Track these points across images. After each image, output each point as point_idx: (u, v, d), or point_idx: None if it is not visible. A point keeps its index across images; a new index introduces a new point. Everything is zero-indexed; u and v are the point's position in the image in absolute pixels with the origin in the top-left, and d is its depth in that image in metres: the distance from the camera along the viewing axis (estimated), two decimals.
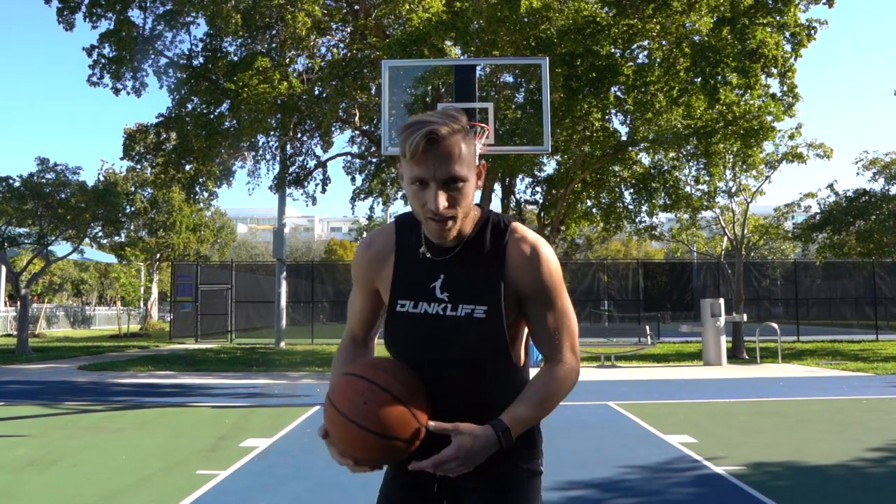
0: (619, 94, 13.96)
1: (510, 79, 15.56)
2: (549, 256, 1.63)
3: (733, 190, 17.19)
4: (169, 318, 28.11)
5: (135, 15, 15.77)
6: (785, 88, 13.19)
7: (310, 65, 15.48)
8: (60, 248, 23.02)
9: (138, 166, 25.17)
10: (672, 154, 15.89)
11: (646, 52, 14.41)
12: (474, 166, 1.58)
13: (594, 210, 18.16)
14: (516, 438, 1.57)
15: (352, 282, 1.78)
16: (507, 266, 1.61)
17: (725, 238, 18.52)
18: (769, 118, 13.13)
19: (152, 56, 15.74)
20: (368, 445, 1.57)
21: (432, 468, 1.52)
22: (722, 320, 14.67)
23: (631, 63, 13.78)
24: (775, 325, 15.91)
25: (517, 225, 1.66)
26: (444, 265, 1.63)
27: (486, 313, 1.59)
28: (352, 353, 1.83)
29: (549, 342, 1.64)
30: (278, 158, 17.22)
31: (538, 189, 18.06)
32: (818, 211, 19.44)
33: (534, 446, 1.69)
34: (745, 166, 16.15)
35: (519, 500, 1.65)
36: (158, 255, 34.14)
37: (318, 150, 21.34)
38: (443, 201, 1.51)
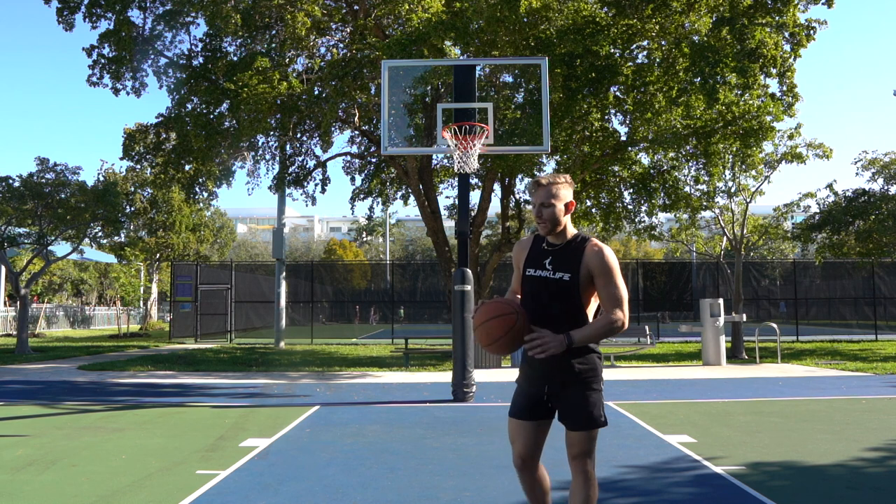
0: (618, 94, 13.96)
1: (510, 79, 15.57)
2: (607, 254, 3.01)
3: (733, 190, 17.20)
4: (169, 318, 28.11)
5: (134, 15, 15.78)
6: (784, 88, 13.20)
7: (309, 65, 15.47)
8: (60, 248, 23.04)
9: (138, 166, 25.16)
10: (671, 154, 15.89)
11: (645, 53, 14.41)
12: (563, 201, 3.11)
13: (594, 210, 18.15)
14: (587, 369, 3.04)
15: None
16: (584, 256, 3.03)
17: (725, 238, 18.53)
18: (768, 118, 13.13)
19: (152, 56, 15.74)
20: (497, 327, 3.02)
21: (529, 344, 2.91)
22: (721, 320, 14.68)
23: (630, 63, 13.78)
24: (774, 326, 15.92)
25: (593, 238, 3.08)
26: (553, 251, 3.12)
27: (569, 278, 3.03)
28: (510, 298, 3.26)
29: (605, 303, 3.00)
30: (278, 158, 17.22)
31: None
32: (817, 211, 19.45)
33: (596, 374, 3.08)
34: (744, 166, 16.16)
35: (588, 401, 3.04)
36: (158, 255, 34.14)
37: (318, 150, 21.42)
38: (539, 213, 3.12)
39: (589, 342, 2.95)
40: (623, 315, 2.95)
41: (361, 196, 19.23)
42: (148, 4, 15.63)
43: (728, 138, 13.69)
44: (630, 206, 17.58)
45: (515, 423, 3.13)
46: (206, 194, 18.23)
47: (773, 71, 12.70)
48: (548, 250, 3.12)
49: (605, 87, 12.97)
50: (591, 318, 3.07)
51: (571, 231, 3.13)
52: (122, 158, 17.04)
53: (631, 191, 17.32)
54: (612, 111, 14.58)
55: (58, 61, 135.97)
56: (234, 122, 14.02)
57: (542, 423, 3.12)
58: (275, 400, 9.56)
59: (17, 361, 15.70)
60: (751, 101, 13.19)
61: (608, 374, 12.69)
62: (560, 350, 2.88)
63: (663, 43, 13.47)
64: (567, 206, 3.10)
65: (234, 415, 8.21)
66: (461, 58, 13.01)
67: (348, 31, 15.56)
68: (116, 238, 27.88)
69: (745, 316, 16.54)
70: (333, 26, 15.73)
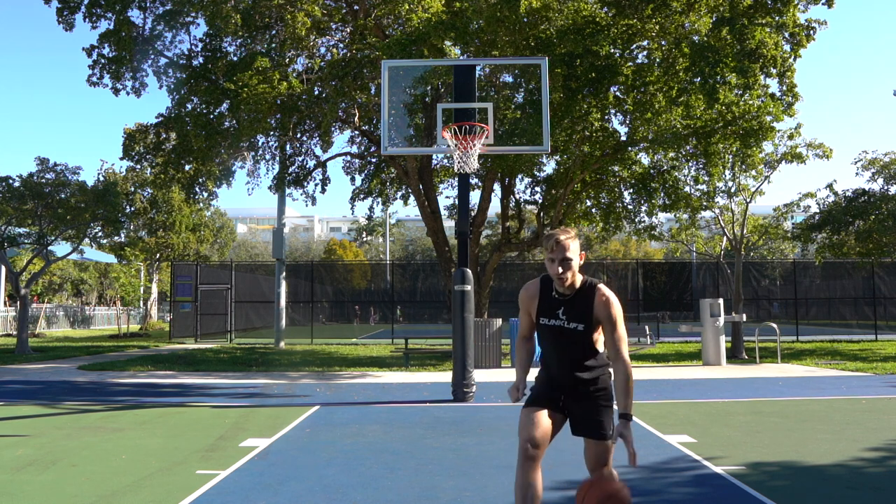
0: (618, 94, 13.96)
1: (510, 79, 15.57)
2: (613, 304, 3.30)
3: (732, 190, 17.19)
4: (169, 318, 28.11)
5: (134, 15, 15.79)
6: (784, 88, 13.20)
7: (309, 65, 15.47)
8: (60, 248, 23.04)
9: (138, 166, 25.15)
10: (671, 154, 15.90)
11: (645, 53, 14.41)
12: (578, 255, 3.33)
13: (594, 210, 18.16)
14: (600, 389, 3.41)
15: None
16: (594, 307, 3.31)
17: (725, 238, 18.53)
18: (768, 118, 13.12)
19: (152, 56, 15.74)
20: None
21: (633, 451, 3.24)
22: (721, 320, 14.68)
23: (630, 63, 13.78)
24: (774, 326, 15.92)
25: (600, 285, 3.35)
26: (565, 301, 3.37)
27: (583, 328, 3.34)
28: (525, 346, 3.63)
29: (611, 345, 3.31)
30: (278, 158, 17.22)
31: (538, 189, 18.08)
32: (817, 211, 19.44)
33: (607, 393, 3.42)
34: (744, 166, 16.15)
35: (599, 413, 3.41)
36: (158, 255, 34.14)
37: (318, 150, 21.39)
38: (560, 269, 3.31)
39: (631, 398, 3.26)
40: (626, 354, 3.28)
41: (361, 196, 19.24)
42: (148, 4, 15.63)
43: (728, 138, 13.68)
44: (630, 206, 17.59)
45: (530, 411, 3.35)
46: (206, 194, 18.23)
47: (773, 71, 12.69)
48: (559, 300, 3.36)
49: (605, 87, 12.97)
50: (599, 350, 3.42)
51: (580, 279, 3.36)
52: (122, 158, 17.05)
53: (631, 191, 17.33)
54: (612, 111, 14.58)
55: (58, 61, 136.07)
56: (234, 122, 14.02)
57: (555, 415, 3.38)
58: (275, 400, 9.56)
59: (18, 361, 15.70)
60: (751, 101, 13.19)
61: None
62: (631, 429, 3.27)
63: (663, 43, 13.47)
64: (579, 258, 3.35)
65: (234, 415, 8.21)
66: (461, 58, 13.02)
67: (348, 31, 15.56)
68: (116, 238, 27.87)
69: (744, 316, 16.54)
70: (333, 26, 15.73)
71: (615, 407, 3.35)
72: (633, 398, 3.25)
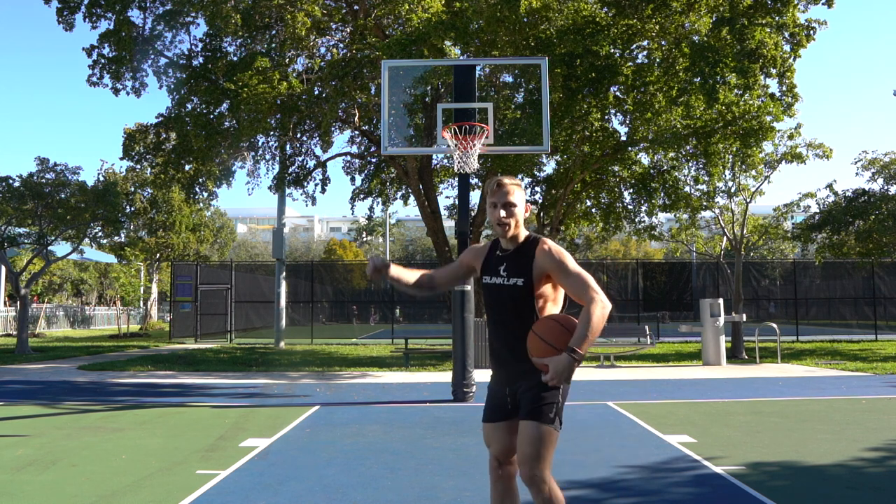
0: (618, 94, 13.97)
1: (510, 79, 15.57)
2: (555, 249, 2.99)
3: (732, 190, 17.19)
4: (169, 318, 28.11)
5: (134, 15, 15.79)
6: (784, 88, 13.20)
7: (309, 65, 15.48)
8: (60, 248, 23.04)
9: (138, 166, 25.14)
10: (671, 154, 15.90)
11: (645, 53, 14.42)
12: (522, 204, 3.08)
13: (594, 210, 18.17)
14: (539, 372, 2.85)
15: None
16: (535, 259, 3.00)
17: (725, 238, 18.53)
18: (768, 118, 13.13)
19: (152, 56, 15.74)
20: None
21: (551, 381, 2.75)
22: (721, 320, 14.68)
23: (630, 63, 13.78)
24: (774, 326, 15.91)
25: (543, 238, 3.07)
26: (507, 257, 3.09)
27: (522, 283, 2.99)
28: (426, 275, 3.35)
29: (576, 293, 2.90)
30: (278, 158, 17.22)
31: (538, 189, 18.08)
32: (817, 211, 19.45)
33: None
34: (744, 166, 16.15)
35: (541, 395, 2.89)
36: (158, 255, 34.14)
37: (318, 150, 21.37)
38: (502, 213, 3.04)
39: (590, 341, 2.77)
40: (597, 293, 2.83)
41: (361, 196, 19.23)
42: (148, 4, 15.63)
43: (728, 138, 13.69)
44: (630, 206, 17.59)
45: (487, 427, 3.12)
46: (206, 194, 18.23)
47: (773, 71, 12.70)
48: (501, 257, 3.10)
49: (605, 87, 12.97)
50: (542, 310, 3.04)
51: (524, 234, 3.11)
52: (122, 158, 17.05)
53: (631, 191, 17.33)
54: (612, 111, 14.59)
55: (58, 62, 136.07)
56: (234, 122, 14.02)
57: (511, 423, 3.04)
58: (275, 400, 9.56)
59: (17, 361, 15.70)
60: (751, 102, 13.19)
61: (608, 375, 12.70)
62: (570, 367, 2.73)
63: (663, 43, 13.48)
64: (524, 209, 3.11)
65: (234, 415, 8.21)
66: (461, 58, 13.01)
67: (348, 31, 15.56)
68: (116, 238, 27.87)
69: (744, 316, 16.54)
70: (333, 26, 15.73)
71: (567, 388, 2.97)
72: (589, 337, 2.73)
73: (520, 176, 17.39)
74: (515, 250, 3.06)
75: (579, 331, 2.75)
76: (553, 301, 3.05)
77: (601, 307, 2.79)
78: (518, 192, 3.07)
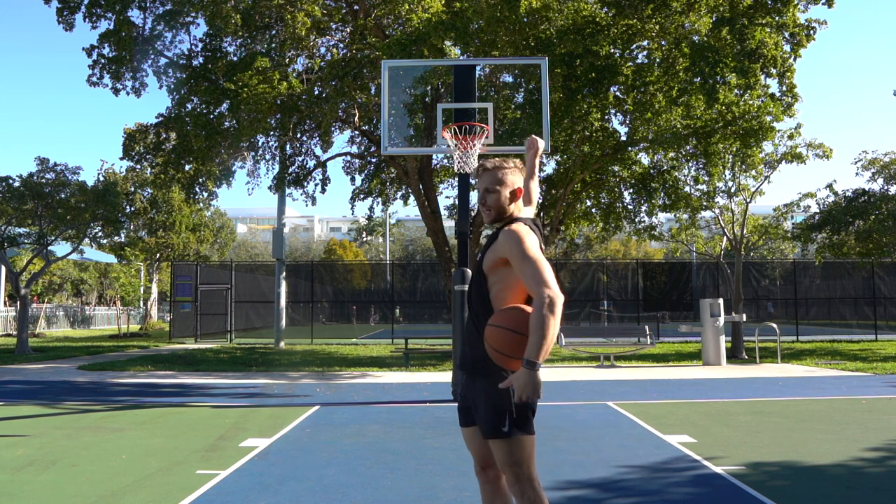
0: (618, 94, 13.96)
1: (509, 79, 15.57)
2: (513, 232, 2.69)
3: (732, 190, 17.19)
4: (169, 318, 28.11)
5: (134, 15, 15.78)
6: (784, 88, 13.20)
7: (309, 65, 15.48)
8: (60, 248, 23.04)
9: (138, 166, 25.14)
10: (671, 154, 15.89)
11: (645, 53, 14.41)
12: (507, 186, 2.86)
13: (594, 210, 18.16)
14: (486, 365, 2.68)
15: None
16: (496, 242, 2.76)
17: (725, 238, 18.53)
18: (768, 118, 13.13)
19: (152, 56, 15.74)
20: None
21: (519, 400, 2.53)
22: (721, 320, 14.68)
23: (630, 63, 13.78)
24: (774, 326, 15.92)
25: (516, 221, 2.82)
26: (487, 242, 2.86)
27: (481, 266, 2.80)
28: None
29: (528, 285, 2.60)
30: (278, 158, 17.21)
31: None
32: (817, 211, 19.45)
33: (496, 383, 2.65)
34: (744, 166, 16.15)
35: (489, 405, 2.67)
36: (158, 255, 34.13)
37: (318, 150, 21.41)
38: (480, 198, 2.90)
39: (544, 347, 2.48)
40: (548, 288, 2.50)
41: (361, 196, 19.23)
42: (148, 4, 15.63)
43: (728, 138, 13.68)
44: (630, 206, 17.59)
45: (462, 431, 2.95)
46: (206, 194, 18.22)
47: (773, 71, 12.69)
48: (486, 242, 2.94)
49: (605, 87, 12.97)
50: (502, 301, 2.77)
51: (507, 218, 2.90)
52: (122, 158, 17.05)
53: (631, 191, 17.32)
54: (612, 111, 14.58)
55: (58, 62, 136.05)
56: (234, 122, 14.02)
57: (474, 428, 2.86)
58: (275, 400, 9.56)
59: (17, 361, 15.70)
60: (751, 102, 13.19)
61: (608, 375, 12.69)
62: (533, 381, 2.48)
63: (663, 43, 13.47)
64: (514, 193, 2.86)
65: (234, 415, 8.21)
66: (461, 58, 13.01)
67: (348, 31, 15.56)
68: (116, 238, 27.87)
69: (744, 316, 16.54)
70: (333, 26, 15.73)
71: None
72: (544, 342, 2.46)
73: None
74: (492, 234, 2.88)
75: (533, 337, 2.48)
76: (514, 291, 2.72)
77: (553, 305, 2.48)
78: (501, 173, 2.84)
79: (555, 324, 2.48)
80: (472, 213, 15.83)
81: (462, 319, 9.38)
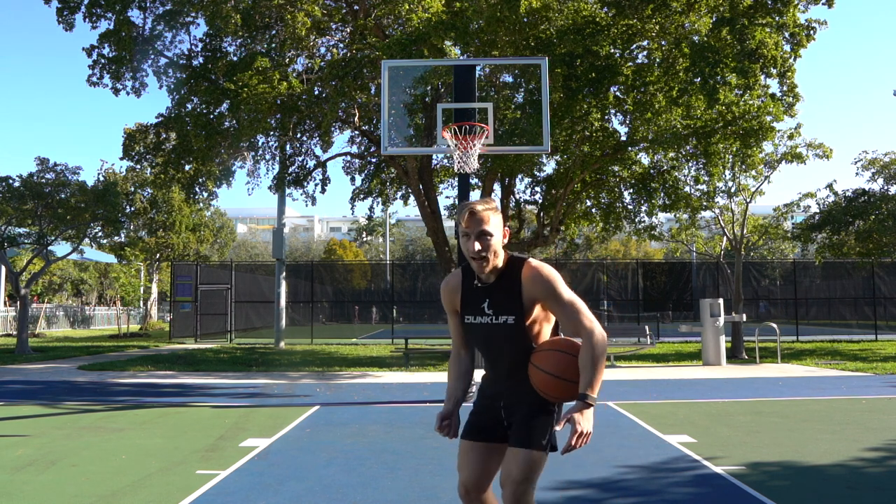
0: (618, 94, 13.96)
1: (510, 79, 15.57)
2: (544, 273, 2.63)
3: (732, 190, 17.19)
4: (169, 318, 28.11)
5: (134, 15, 15.78)
6: (784, 89, 13.20)
7: (309, 65, 15.48)
8: (60, 248, 23.04)
9: (138, 166, 25.15)
10: (671, 154, 15.89)
11: (645, 53, 14.41)
12: (500, 230, 2.67)
13: (593, 210, 18.15)
14: (536, 395, 2.66)
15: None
16: (522, 288, 2.65)
17: (725, 238, 18.53)
18: (768, 118, 13.12)
19: (152, 56, 15.74)
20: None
21: (576, 443, 2.47)
22: (721, 320, 14.68)
23: (630, 63, 13.78)
24: (774, 326, 15.92)
25: (529, 259, 2.69)
26: (489, 290, 2.71)
27: (514, 320, 2.66)
28: (459, 362, 2.98)
29: (568, 323, 2.62)
30: (278, 158, 17.22)
31: (537, 189, 18.08)
32: (817, 211, 19.45)
33: (547, 402, 2.68)
34: (744, 166, 16.15)
35: (534, 420, 2.66)
36: (158, 255, 34.14)
37: (318, 150, 21.41)
38: (477, 245, 2.63)
39: (600, 379, 2.57)
40: (593, 321, 2.59)
41: (361, 196, 19.23)
42: (148, 4, 15.63)
43: (728, 138, 13.68)
44: (630, 206, 17.58)
45: (464, 445, 2.81)
46: (206, 194, 18.23)
47: (774, 71, 12.69)
48: (482, 289, 2.72)
49: (605, 87, 12.97)
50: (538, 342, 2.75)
51: (502, 259, 2.71)
52: (122, 158, 17.05)
53: (631, 191, 17.32)
54: (612, 111, 14.58)
55: (58, 62, 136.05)
56: (234, 122, 14.02)
57: (493, 446, 2.78)
58: (275, 400, 9.56)
59: (18, 361, 15.70)
60: (751, 102, 13.19)
61: (608, 374, 12.70)
62: (589, 415, 2.51)
63: (663, 43, 13.47)
64: (503, 235, 2.71)
65: (234, 415, 8.21)
66: (461, 58, 13.01)
67: (348, 31, 15.56)
68: (116, 238, 27.87)
69: (744, 316, 16.54)
70: (333, 26, 15.73)
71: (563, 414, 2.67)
72: (599, 377, 2.53)
73: (519, 177, 17.42)
74: (498, 280, 2.69)
75: (587, 373, 2.52)
76: (547, 321, 2.76)
77: (601, 339, 2.55)
78: (494, 217, 2.66)
79: (605, 356, 2.57)
80: None
81: None
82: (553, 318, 2.77)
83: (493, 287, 2.70)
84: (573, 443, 2.45)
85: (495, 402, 2.79)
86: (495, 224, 2.66)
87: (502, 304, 2.67)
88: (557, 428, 2.64)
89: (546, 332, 2.75)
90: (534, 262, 2.68)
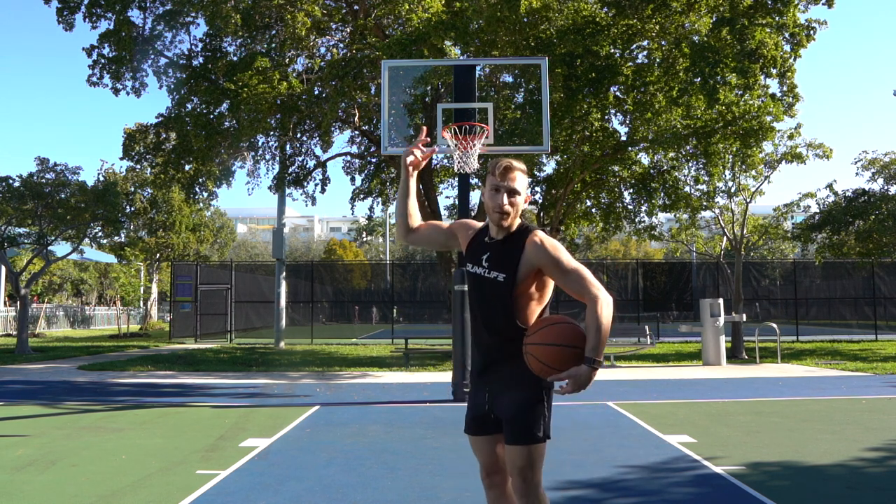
0: (618, 94, 13.96)
1: (510, 79, 15.56)
2: (549, 243, 2.68)
3: (732, 190, 17.19)
4: (169, 318, 28.11)
5: (134, 15, 15.79)
6: (784, 89, 13.20)
7: (309, 65, 15.48)
8: (60, 248, 23.03)
9: (138, 166, 25.16)
10: (671, 154, 15.89)
11: (645, 53, 14.41)
12: (525, 192, 2.78)
13: (594, 210, 18.16)
14: (524, 374, 2.67)
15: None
16: (524, 254, 2.69)
17: (725, 238, 18.53)
18: (768, 118, 13.12)
19: (152, 56, 15.74)
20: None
21: (570, 392, 2.55)
22: (721, 320, 14.67)
23: (630, 63, 13.78)
24: (774, 326, 15.91)
25: (537, 229, 2.75)
26: (492, 246, 2.78)
27: (504, 278, 2.70)
28: (414, 218, 3.04)
29: (574, 291, 2.63)
30: (278, 158, 17.22)
31: (538, 189, 18.08)
32: (817, 211, 19.44)
33: (538, 385, 2.69)
34: (744, 166, 16.15)
35: (525, 410, 2.68)
36: (158, 255, 34.13)
37: (318, 150, 21.37)
38: (506, 199, 2.72)
39: (605, 343, 2.57)
40: (599, 289, 2.59)
41: (361, 196, 19.23)
42: (148, 4, 15.64)
43: (728, 138, 13.68)
44: (630, 206, 17.59)
45: (470, 439, 2.91)
46: (206, 194, 18.23)
47: (774, 71, 12.69)
48: (487, 245, 2.79)
49: (605, 87, 12.97)
50: (523, 310, 2.74)
51: (517, 224, 2.79)
52: (122, 158, 17.07)
53: (631, 191, 17.33)
54: (612, 111, 14.58)
55: (58, 62, 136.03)
56: (234, 122, 14.02)
57: (493, 437, 2.84)
58: (275, 400, 9.56)
59: (18, 361, 15.69)
60: (751, 102, 13.19)
61: (608, 375, 12.69)
62: (591, 377, 2.53)
63: (663, 43, 13.47)
64: (525, 198, 2.80)
65: (234, 415, 8.21)
66: (461, 58, 13.01)
67: (348, 31, 15.56)
68: (116, 238, 27.87)
69: (744, 316, 16.53)
70: (333, 26, 15.73)
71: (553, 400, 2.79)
72: (604, 341, 2.54)
73: None
74: (503, 240, 2.75)
75: (593, 337, 2.53)
76: (538, 301, 2.76)
77: (606, 305, 2.56)
78: (524, 178, 2.76)
79: (610, 322, 2.57)
80: (472, 214, 15.83)
81: (462, 320, 9.37)
82: (545, 301, 2.79)
83: (498, 244, 2.76)
84: (565, 392, 2.56)
85: (480, 386, 2.83)
86: (523, 184, 2.76)
87: (499, 261, 2.72)
88: (564, 390, 2.61)
89: (535, 311, 2.73)
90: (541, 233, 2.74)
